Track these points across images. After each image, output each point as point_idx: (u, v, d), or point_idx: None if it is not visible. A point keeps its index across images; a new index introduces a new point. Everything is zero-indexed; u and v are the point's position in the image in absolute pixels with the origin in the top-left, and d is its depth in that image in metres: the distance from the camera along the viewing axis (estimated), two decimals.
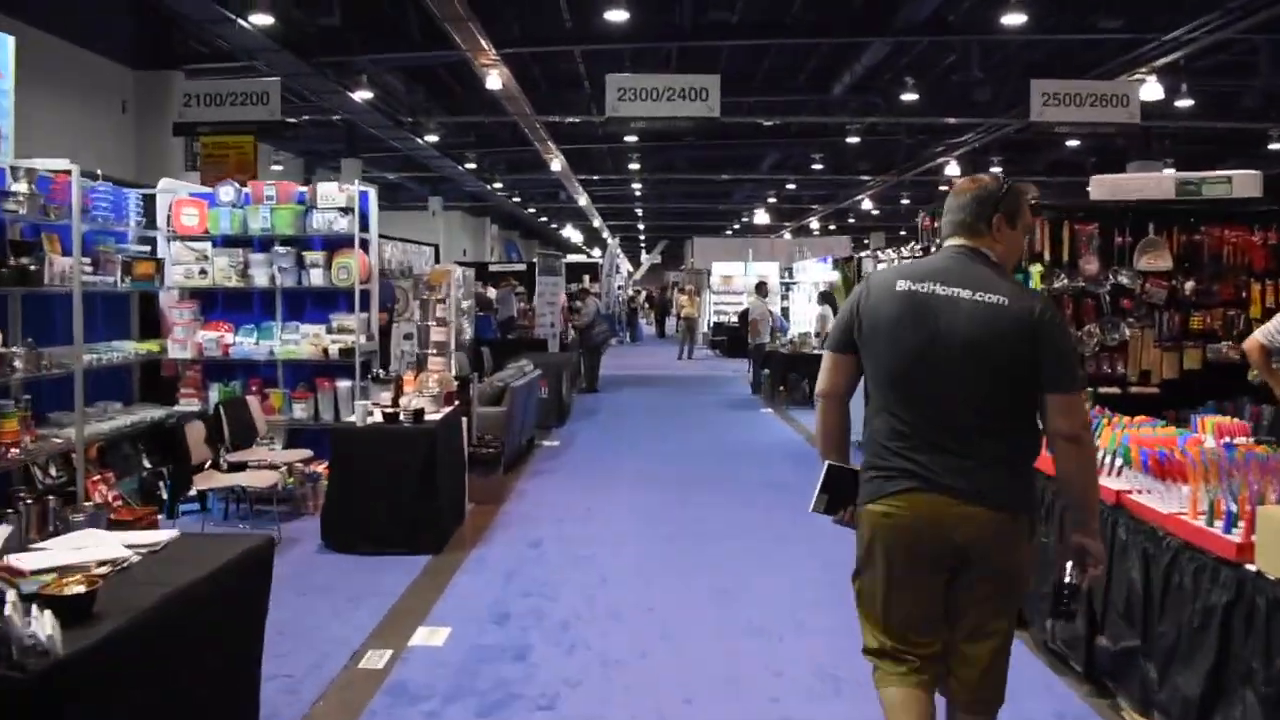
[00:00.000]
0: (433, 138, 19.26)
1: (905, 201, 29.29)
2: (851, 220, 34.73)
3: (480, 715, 4.14)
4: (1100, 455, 4.18)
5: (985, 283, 2.86)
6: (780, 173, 26.84)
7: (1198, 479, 3.70)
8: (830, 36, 14.46)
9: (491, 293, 17.50)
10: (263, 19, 12.14)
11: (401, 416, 6.56)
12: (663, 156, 24.95)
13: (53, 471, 6.45)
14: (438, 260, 20.86)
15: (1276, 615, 3.06)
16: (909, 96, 16.07)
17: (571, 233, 45.69)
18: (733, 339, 23.18)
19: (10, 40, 6.24)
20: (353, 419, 6.52)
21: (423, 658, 4.76)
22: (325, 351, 7.59)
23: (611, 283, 28.59)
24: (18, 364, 6.09)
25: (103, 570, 3.23)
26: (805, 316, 18.59)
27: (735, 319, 23.63)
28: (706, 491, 8.58)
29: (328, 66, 14.50)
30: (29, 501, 6.26)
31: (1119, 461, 4.25)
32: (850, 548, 3.08)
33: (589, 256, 37.21)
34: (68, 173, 6.31)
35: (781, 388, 14.66)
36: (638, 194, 32.72)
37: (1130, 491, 4.08)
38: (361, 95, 15.49)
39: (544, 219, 40.85)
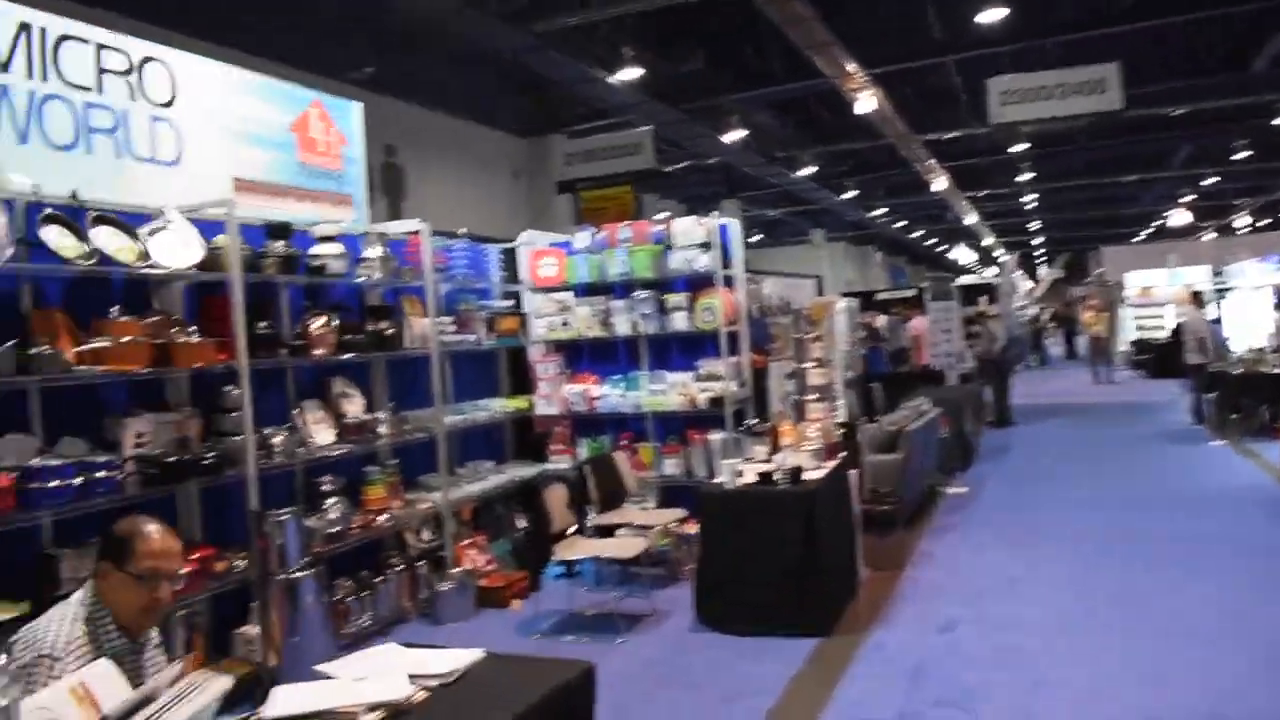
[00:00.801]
0: (808, 169, 18.29)
1: None
2: None
3: None
4: None
5: None
6: (1197, 167, 22.96)
7: None
8: (1245, 3, 11.67)
9: (880, 320, 16.02)
10: (629, 73, 11.95)
11: (776, 476, 5.44)
12: (1057, 162, 22.14)
13: (425, 535, 6.03)
14: (820, 293, 19.77)
15: None
16: None
17: (961, 253, 42.78)
18: (1160, 358, 19.81)
19: (358, 107, 5.96)
20: (723, 479, 5.52)
21: None
22: (693, 401, 6.68)
23: (1011, 303, 25.92)
24: (382, 429, 5.72)
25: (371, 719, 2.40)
26: (1247, 328, 15.32)
27: (1163, 334, 20.26)
28: (1159, 555, 6.58)
29: (697, 111, 14.08)
30: (399, 568, 5.94)
31: None
32: None
33: (981, 277, 34.38)
34: (418, 233, 5.91)
35: (1234, 415, 11.83)
36: (1031, 206, 29.68)
37: None
38: (733, 136, 14.87)
39: (931, 241, 38.49)
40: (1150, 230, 36.01)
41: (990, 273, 35.54)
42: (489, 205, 13.99)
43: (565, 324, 6.98)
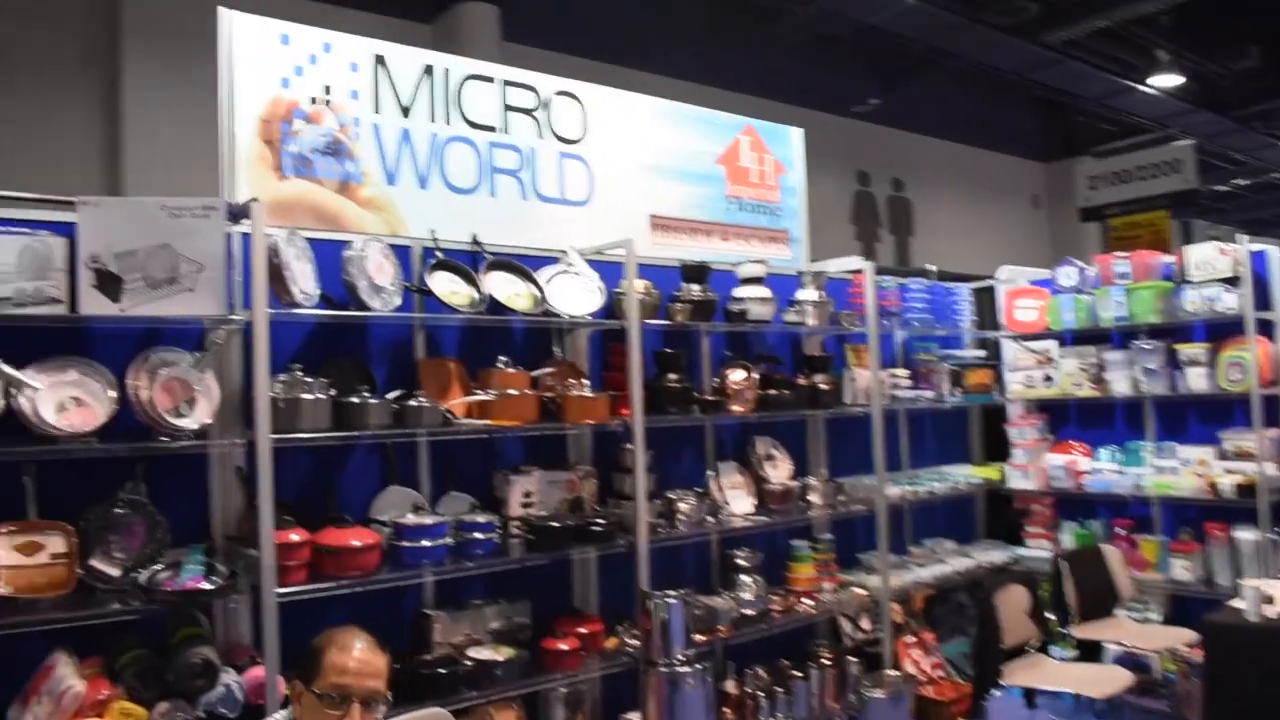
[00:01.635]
0: None
1: None
2: None
3: None
4: None
5: None
6: None
7: None
8: None
9: None
10: (1165, 80, 9.89)
11: None
12: None
13: (865, 625, 4.98)
14: None
15: None
16: None
17: None
18: None
19: (797, 133, 5.14)
20: (1244, 603, 3.78)
21: None
22: (1214, 486, 4.85)
23: None
24: (813, 498, 4.80)
25: None
26: None
27: None
28: None
29: (1252, 118, 11.32)
30: (825, 662, 4.94)
31: None
32: None
33: None
34: (861, 273, 4.92)
35: None
36: None
37: None
38: None
39: None
40: None
41: None
42: (1005, 237, 12.54)
43: (1047, 379, 5.49)
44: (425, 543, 3.49)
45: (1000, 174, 12.83)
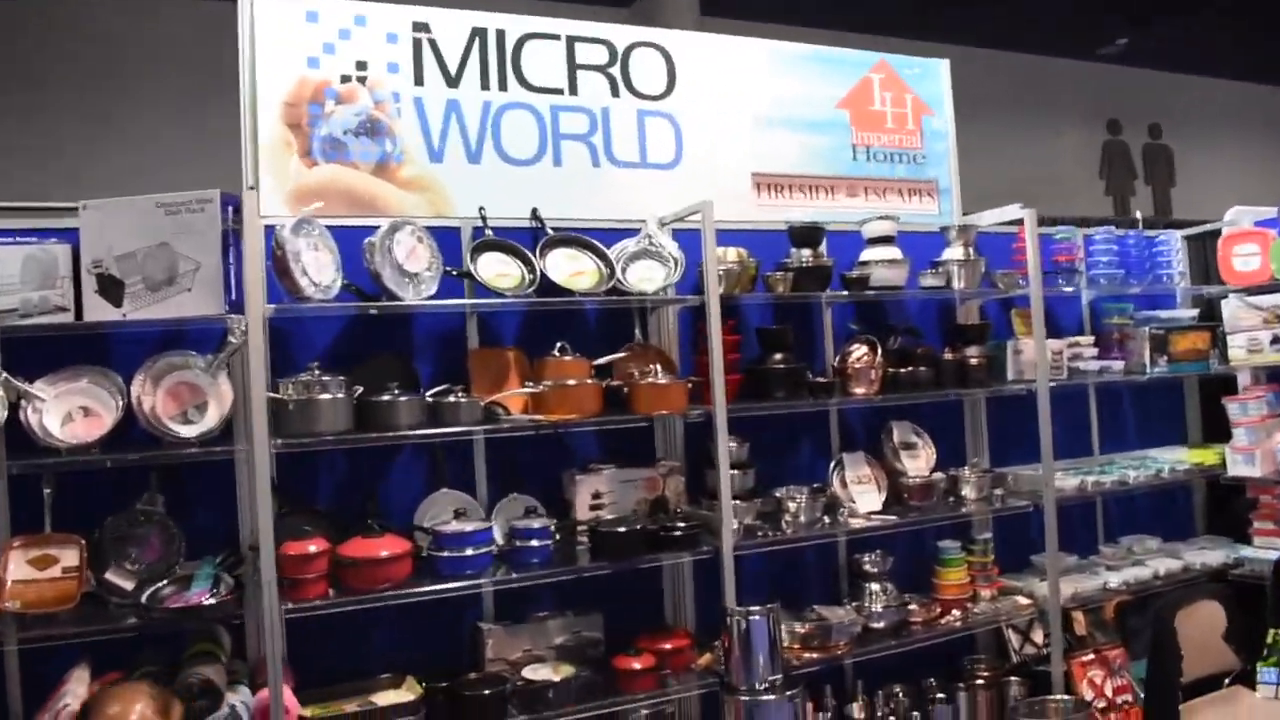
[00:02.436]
0: None
1: None
2: None
3: None
4: None
5: None
6: None
7: None
8: None
9: None
10: None
11: None
12: None
13: (1036, 639, 3.99)
14: None
15: None
16: None
17: None
18: None
19: (945, 65, 4.16)
20: None
21: None
22: None
23: None
24: (967, 491, 3.88)
25: None
26: None
27: None
28: None
29: None
30: (980, 682, 4.00)
31: None
32: None
33: None
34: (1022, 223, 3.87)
35: None
36: None
37: None
38: None
39: None
40: None
41: None
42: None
43: (1275, 340, 4.15)
44: (469, 551, 3.00)
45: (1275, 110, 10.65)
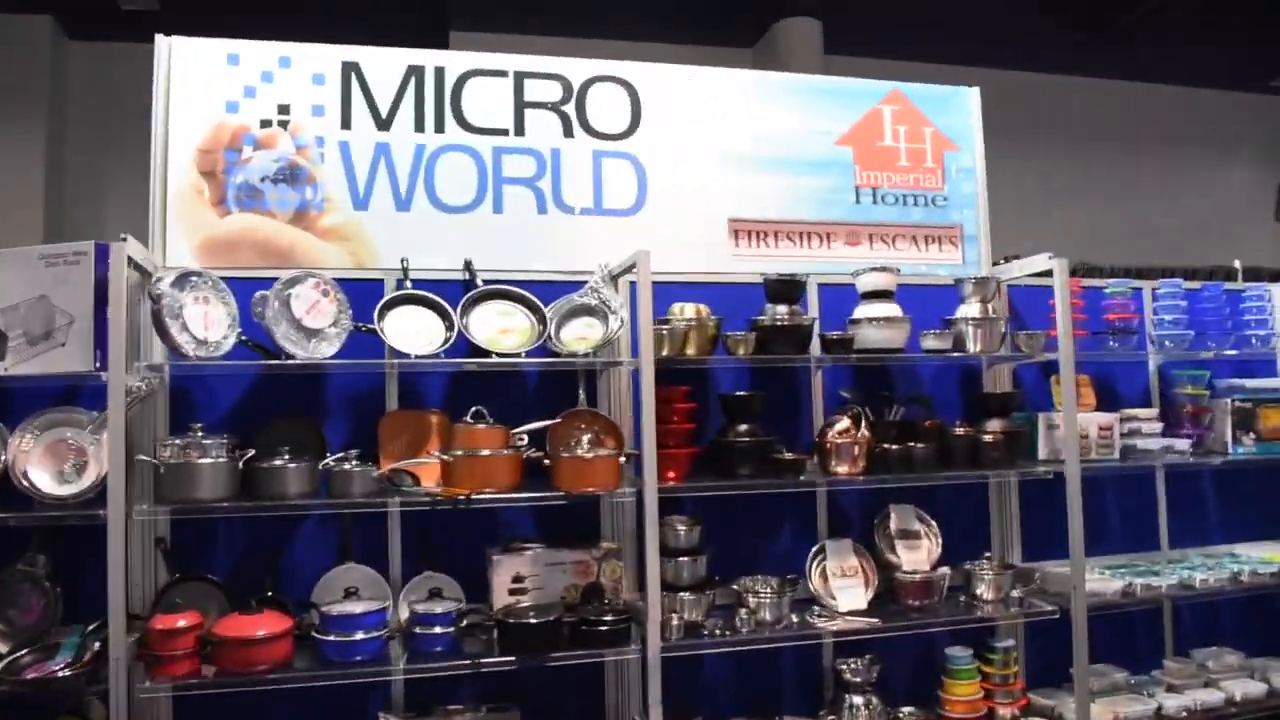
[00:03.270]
0: None
1: None
2: None
3: None
4: None
5: None
6: None
7: None
8: None
9: None
10: None
11: None
12: None
13: None
14: None
15: None
16: None
17: None
18: None
19: (973, 94, 3.69)
20: None
21: None
22: None
23: None
24: (982, 590, 3.34)
25: None
26: None
27: None
28: None
29: None
30: None
31: None
32: None
33: None
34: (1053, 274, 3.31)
35: None
36: None
37: None
38: None
39: None
40: None
41: None
42: None
43: None
44: (359, 635, 2.76)
45: None
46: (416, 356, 2.87)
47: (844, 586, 3.26)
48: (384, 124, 3.17)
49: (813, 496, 3.43)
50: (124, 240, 2.59)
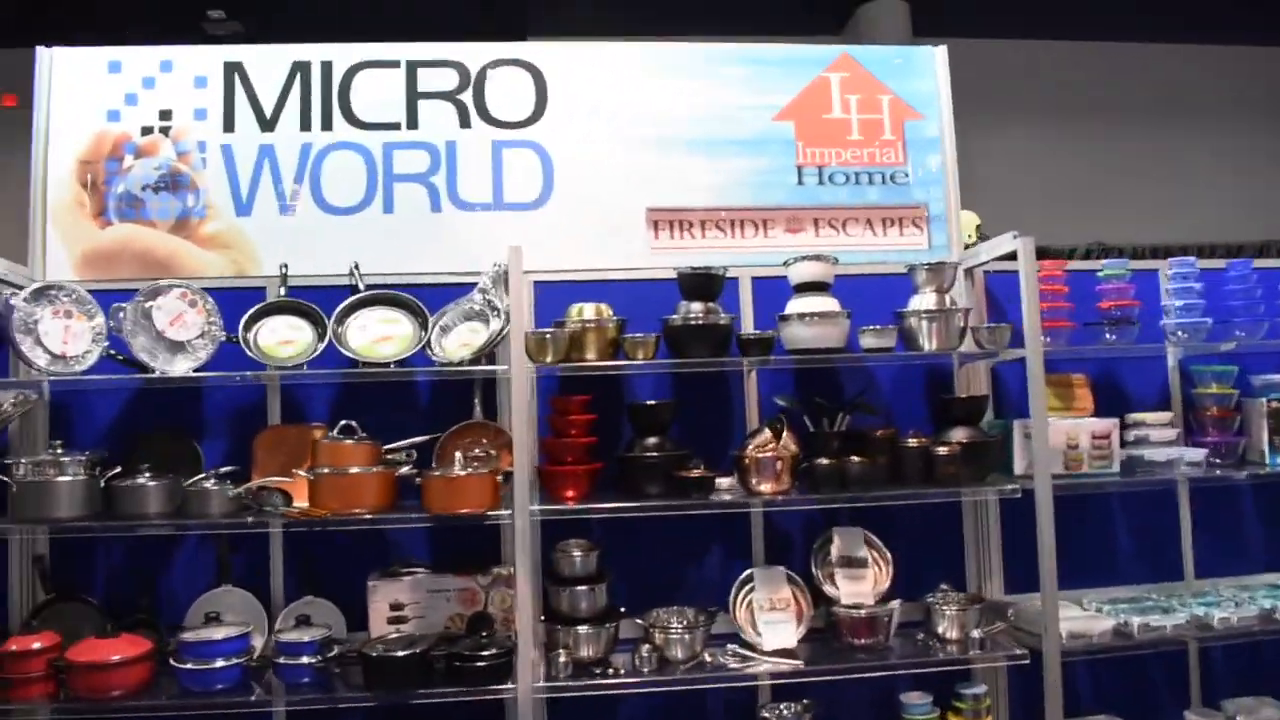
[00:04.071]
0: None
1: None
2: None
3: None
4: None
5: None
6: None
7: None
8: None
9: None
10: None
11: None
12: None
13: None
14: None
15: None
16: None
17: None
18: None
19: (938, 53, 3.29)
20: None
21: None
22: None
23: None
24: (944, 629, 2.93)
25: None
26: None
27: None
28: None
29: None
30: None
31: None
32: None
33: None
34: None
35: None
36: None
37: None
38: None
39: None
40: None
41: None
42: None
43: None
44: (219, 663, 2.65)
45: None
46: (277, 369, 2.74)
47: (771, 621, 2.90)
48: (268, 125, 3.06)
49: (746, 519, 3.08)
50: None
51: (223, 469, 2.78)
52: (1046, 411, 2.82)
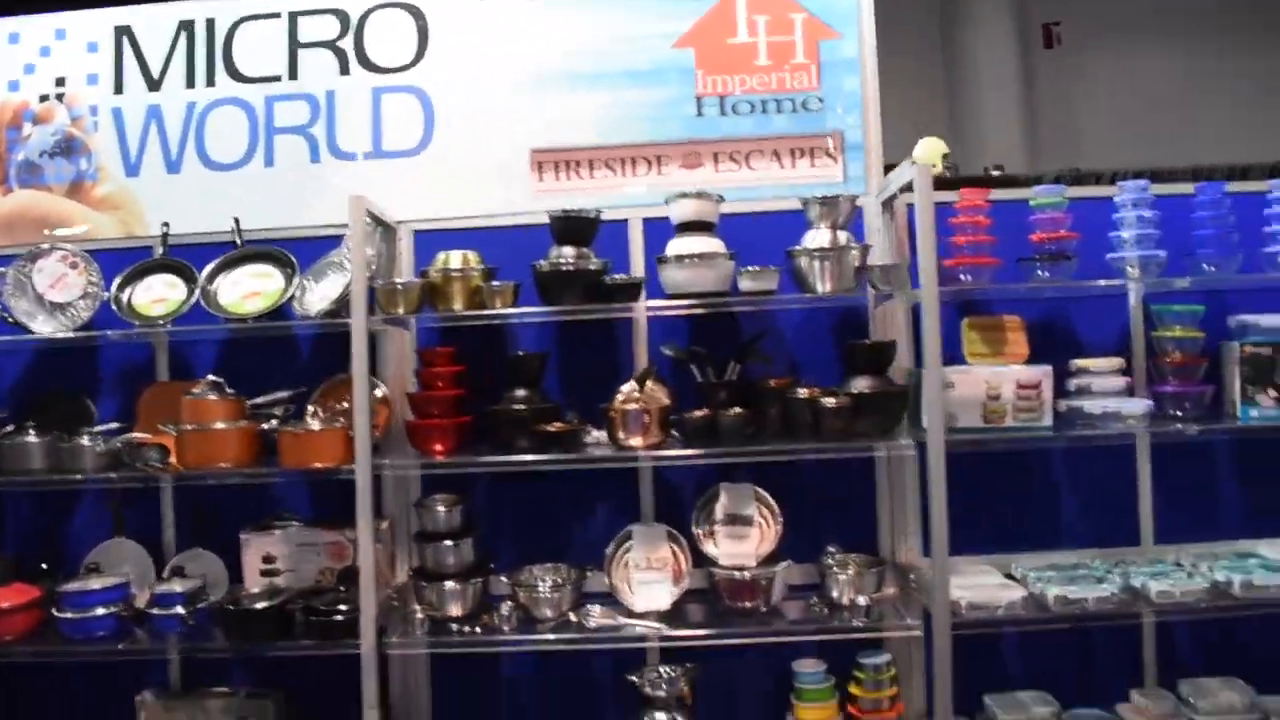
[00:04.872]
0: None
1: None
2: None
3: None
4: None
5: None
6: None
7: None
8: None
9: None
10: None
11: None
12: None
13: None
14: None
15: None
16: None
17: None
18: None
19: None
20: None
21: None
22: None
23: None
24: (838, 593, 2.72)
25: None
26: None
27: None
28: None
29: None
30: None
31: None
32: None
33: None
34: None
35: None
36: None
37: None
38: None
39: None
40: None
41: None
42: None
43: None
44: (99, 611, 2.76)
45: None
46: (145, 327, 2.80)
47: (646, 581, 2.76)
48: (155, 85, 3.10)
49: (634, 475, 2.94)
50: None
51: (109, 425, 2.87)
52: (944, 356, 2.53)
